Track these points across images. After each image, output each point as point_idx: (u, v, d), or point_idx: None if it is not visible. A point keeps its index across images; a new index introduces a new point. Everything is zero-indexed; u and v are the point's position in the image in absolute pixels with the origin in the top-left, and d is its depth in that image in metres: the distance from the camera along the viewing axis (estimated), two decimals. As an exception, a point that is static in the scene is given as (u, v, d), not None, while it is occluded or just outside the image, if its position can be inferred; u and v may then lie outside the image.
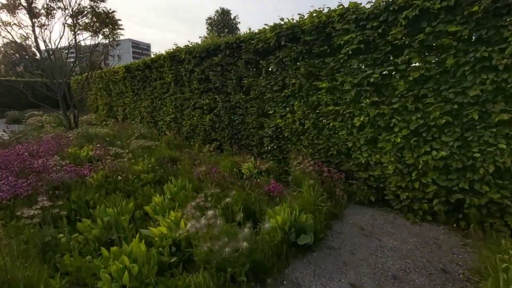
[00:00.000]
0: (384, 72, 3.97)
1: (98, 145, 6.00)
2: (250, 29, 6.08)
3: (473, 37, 3.19)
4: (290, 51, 5.04)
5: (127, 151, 5.83)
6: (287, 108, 5.46)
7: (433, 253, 3.05)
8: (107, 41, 11.06)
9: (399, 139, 3.87)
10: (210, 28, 40.90)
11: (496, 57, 3.05)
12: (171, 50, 8.26)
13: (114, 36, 10.77)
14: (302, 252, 2.95)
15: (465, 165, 3.43)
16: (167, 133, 8.72)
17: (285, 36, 5.04)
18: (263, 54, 5.69)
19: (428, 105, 3.62)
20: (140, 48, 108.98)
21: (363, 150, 4.36)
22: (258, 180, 4.07)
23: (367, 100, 4.15)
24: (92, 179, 4.25)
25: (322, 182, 4.22)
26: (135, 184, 4.36)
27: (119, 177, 4.33)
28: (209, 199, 3.00)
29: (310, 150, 5.11)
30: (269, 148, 5.92)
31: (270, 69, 5.61)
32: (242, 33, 6.22)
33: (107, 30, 10.44)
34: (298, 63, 5.05)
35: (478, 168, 3.32)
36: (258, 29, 5.69)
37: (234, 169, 5.00)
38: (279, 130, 5.67)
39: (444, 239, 3.37)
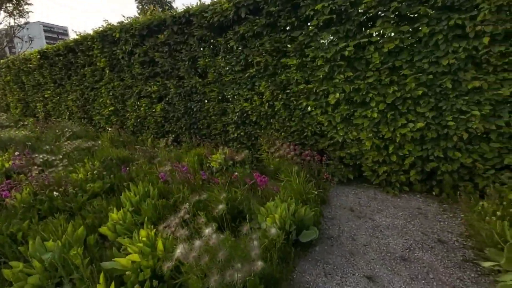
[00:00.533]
0: (357, 45, 3.77)
1: (17, 153, 4.63)
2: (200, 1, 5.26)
3: (447, 3, 3.14)
4: (252, 25, 4.49)
5: (60, 156, 4.64)
6: (253, 90, 4.98)
7: (423, 224, 3.07)
8: (11, 22, 8.65)
9: (376, 114, 3.78)
10: (140, 6, 36.58)
11: (468, 24, 3.06)
12: (101, 29, 6.82)
13: (21, 14, 8.45)
14: (304, 249, 2.64)
15: (440, 134, 3.52)
16: (108, 129, 7.40)
17: (245, 7, 4.43)
18: (220, 30, 4.99)
19: (403, 77, 3.57)
20: (55, 32, 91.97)
21: (339, 128, 4.21)
22: (237, 174, 3.57)
23: (341, 76, 3.94)
24: (15, 200, 3.16)
25: (302, 166, 3.96)
26: (79, 198, 3.43)
27: (54, 192, 3.34)
28: (190, 208, 2.41)
29: (283, 134, 4.79)
30: (235, 135, 5.40)
31: (229, 46, 4.97)
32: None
33: (10, 5, 8.10)
34: (262, 39, 4.54)
35: (452, 135, 3.43)
36: (212, 0, 4.93)
37: (204, 163, 4.38)
38: (245, 115, 5.17)
39: (426, 208, 3.46)
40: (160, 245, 2.21)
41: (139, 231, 2.41)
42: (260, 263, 1.60)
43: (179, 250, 1.68)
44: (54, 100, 9.22)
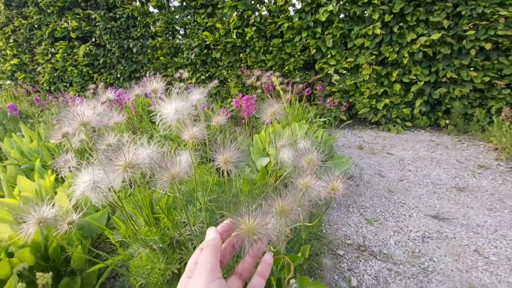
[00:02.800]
0: None
1: None
2: None
3: None
4: None
5: None
6: (214, 16, 3.76)
7: (450, 154, 2.43)
8: None
9: (378, 31, 2.98)
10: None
11: None
12: None
13: None
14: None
15: (454, 49, 2.89)
16: (12, 91, 5.33)
17: None
18: None
19: (414, -24, 2.80)
20: None
21: (329, 56, 3.33)
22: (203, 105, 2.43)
23: (334, -20, 3.00)
24: None
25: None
26: None
27: None
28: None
29: (256, 67, 3.73)
30: (193, 80, 4.16)
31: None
32: None
33: None
34: None
35: (469, 49, 2.82)
36: None
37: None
38: (206, 51, 3.95)
39: (439, 140, 2.86)
40: (62, 199, 1.03)
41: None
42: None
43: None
44: None
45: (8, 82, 5.14)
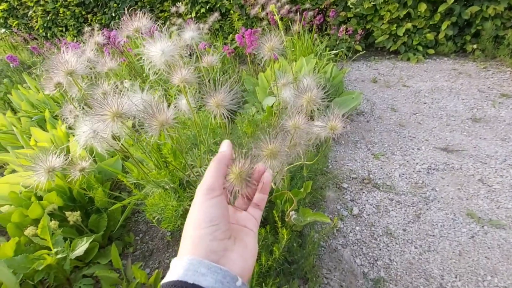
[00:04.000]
0: None
1: None
2: None
3: None
4: None
5: None
6: None
7: (472, 83, 2.26)
8: None
9: None
10: None
11: None
12: None
13: None
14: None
15: (498, -48, 2.39)
16: (10, 41, 5.14)
17: None
18: None
19: None
20: None
21: (345, -28, 2.87)
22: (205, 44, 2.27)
23: None
24: None
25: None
26: None
27: None
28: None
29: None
30: (192, 15, 3.80)
31: None
32: None
33: None
34: None
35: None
36: None
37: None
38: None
39: (463, 68, 2.62)
40: (76, 147, 1.07)
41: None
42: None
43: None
44: None
45: (3, 30, 4.93)
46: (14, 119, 1.58)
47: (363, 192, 1.29)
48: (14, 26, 5.13)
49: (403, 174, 1.36)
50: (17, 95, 1.93)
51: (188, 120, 1.03)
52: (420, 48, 3.01)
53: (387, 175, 1.37)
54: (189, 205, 0.98)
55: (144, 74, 1.64)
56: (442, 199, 1.23)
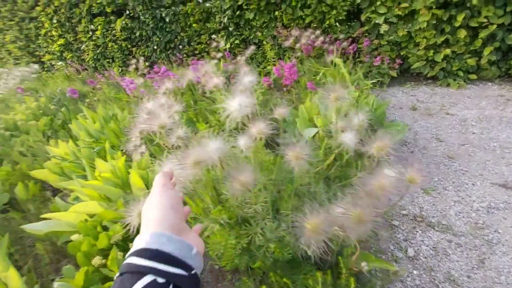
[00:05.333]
0: None
1: None
2: None
3: None
4: None
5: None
6: (246, -31, 3.46)
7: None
8: None
9: (441, -35, 2.49)
10: None
11: None
12: None
13: None
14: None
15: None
16: (65, 71, 5.77)
17: None
18: None
19: None
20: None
21: (379, 2, 2.92)
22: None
23: None
24: None
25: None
26: (14, 140, 2.25)
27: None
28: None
29: (292, 25, 3.47)
30: (228, 46, 4.04)
31: None
32: None
33: None
34: None
35: None
36: None
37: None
38: (238, 13, 3.74)
39: (510, 94, 2.47)
40: (135, 178, 1.15)
41: (97, 163, 1.33)
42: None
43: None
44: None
45: (60, 63, 5.56)
46: (75, 148, 1.74)
47: (417, 231, 1.22)
48: (69, 59, 5.78)
49: (459, 213, 1.28)
50: (76, 124, 2.14)
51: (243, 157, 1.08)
52: (461, 73, 2.91)
53: (441, 212, 1.30)
54: (246, 243, 1.00)
55: (213, 118, 1.72)
56: (506, 242, 1.13)
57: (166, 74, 2.13)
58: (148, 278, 0.26)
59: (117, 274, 0.29)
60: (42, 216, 1.13)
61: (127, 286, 0.26)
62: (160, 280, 0.26)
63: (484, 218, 1.22)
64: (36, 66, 4.69)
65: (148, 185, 1.23)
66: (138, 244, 0.30)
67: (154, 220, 0.32)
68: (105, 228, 1.09)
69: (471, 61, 2.81)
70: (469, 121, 2.07)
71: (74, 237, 1.04)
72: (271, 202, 0.97)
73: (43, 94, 3.55)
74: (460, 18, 2.64)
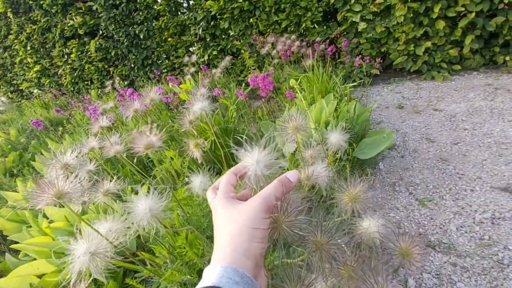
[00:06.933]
0: None
1: None
2: None
3: None
4: None
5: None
6: (215, -21, 3.36)
7: (516, 99, 2.01)
8: None
9: (412, -43, 2.41)
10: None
11: None
12: None
13: None
14: (364, 170, 1.52)
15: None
16: (42, 97, 5.58)
17: None
18: None
19: None
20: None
21: (354, 0, 2.83)
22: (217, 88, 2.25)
23: None
24: None
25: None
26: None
27: None
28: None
29: (269, 31, 3.36)
30: (205, 57, 3.91)
31: None
32: None
33: None
34: None
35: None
36: None
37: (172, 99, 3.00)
38: (213, 23, 3.62)
39: (498, 83, 2.39)
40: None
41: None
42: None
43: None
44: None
45: (36, 90, 5.38)
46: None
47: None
48: (46, 85, 5.60)
49: (461, 227, 1.14)
50: (40, 160, 1.97)
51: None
52: (444, 65, 2.82)
53: (440, 228, 1.16)
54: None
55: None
56: (517, 257, 0.99)
57: (132, 97, 1.98)
58: None
59: None
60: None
61: None
62: None
63: (490, 232, 1.09)
64: (3, 98, 4.49)
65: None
66: (208, 276, 0.28)
67: (230, 246, 0.30)
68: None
69: (453, 52, 2.73)
70: (459, 117, 1.95)
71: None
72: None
73: (14, 126, 3.36)
74: (436, 9, 2.56)
